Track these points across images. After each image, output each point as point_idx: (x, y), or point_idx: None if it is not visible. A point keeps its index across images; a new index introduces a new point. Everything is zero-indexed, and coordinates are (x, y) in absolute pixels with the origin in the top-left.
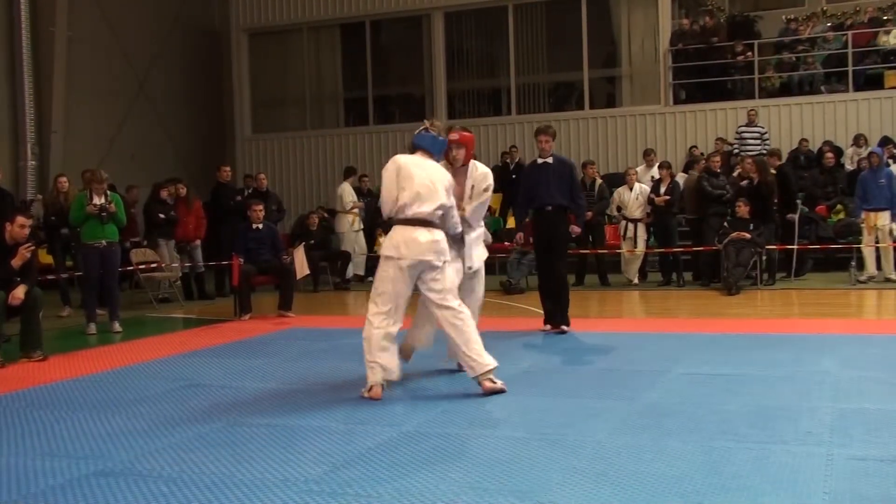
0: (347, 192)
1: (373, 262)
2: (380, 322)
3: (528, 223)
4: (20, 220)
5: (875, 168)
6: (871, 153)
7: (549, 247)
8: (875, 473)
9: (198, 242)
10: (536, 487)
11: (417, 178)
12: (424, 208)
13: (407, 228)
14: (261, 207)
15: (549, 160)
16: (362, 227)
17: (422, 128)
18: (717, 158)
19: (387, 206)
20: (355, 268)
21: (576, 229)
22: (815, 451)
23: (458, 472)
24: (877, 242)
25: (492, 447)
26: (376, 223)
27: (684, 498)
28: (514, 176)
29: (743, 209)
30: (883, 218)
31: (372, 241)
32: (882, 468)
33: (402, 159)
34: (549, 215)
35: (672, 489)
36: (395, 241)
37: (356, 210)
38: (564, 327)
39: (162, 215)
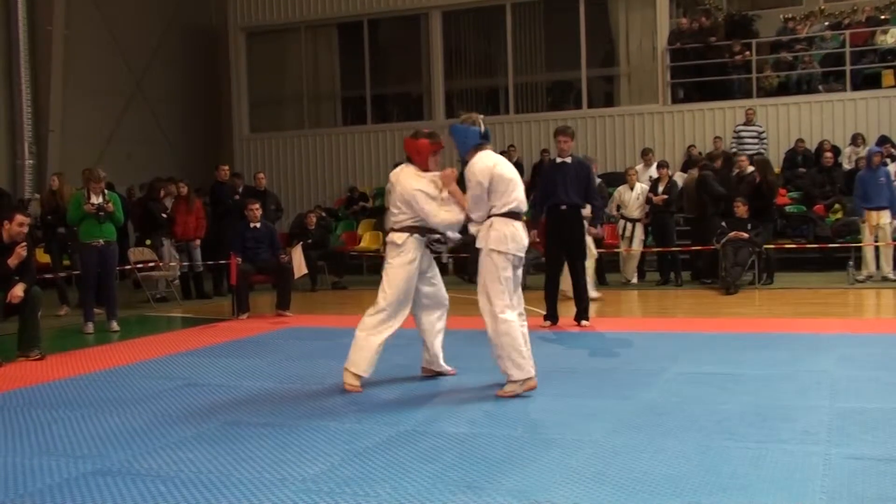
0: None
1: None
2: (514, 316)
3: (541, 221)
4: (19, 218)
5: (874, 167)
6: (872, 153)
7: (567, 247)
8: (872, 473)
9: (197, 242)
10: (534, 487)
11: (508, 173)
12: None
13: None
14: (258, 206)
15: (568, 160)
16: None
17: (469, 121)
18: (721, 159)
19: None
20: None
21: (595, 231)
22: (812, 450)
23: (455, 471)
24: (876, 241)
25: (489, 446)
26: None
27: (681, 497)
28: None
29: (741, 209)
30: (884, 217)
31: None
32: (879, 467)
33: (495, 158)
34: (563, 214)
35: (669, 488)
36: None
37: None
38: (585, 322)
39: (164, 214)
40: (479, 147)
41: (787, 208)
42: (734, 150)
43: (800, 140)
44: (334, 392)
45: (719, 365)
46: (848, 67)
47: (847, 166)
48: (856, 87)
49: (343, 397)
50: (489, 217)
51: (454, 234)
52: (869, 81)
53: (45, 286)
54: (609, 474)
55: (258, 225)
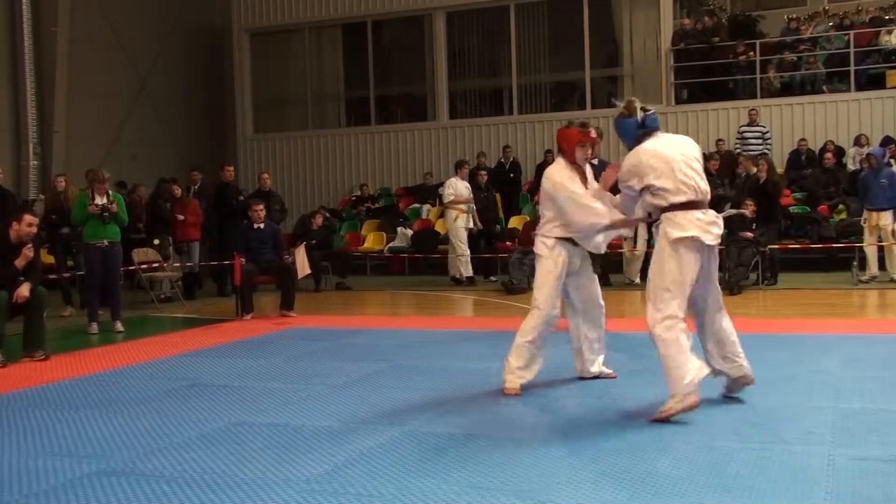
0: (450, 186)
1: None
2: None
3: None
4: (28, 218)
5: (876, 168)
6: (868, 154)
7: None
8: (877, 473)
9: (195, 242)
10: (538, 487)
11: (660, 160)
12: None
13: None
14: (262, 207)
15: (594, 161)
16: (472, 224)
17: (626, 113)
18: (716, 160)
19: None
20: (454, 268)
21: (624, 232)
22: (816, 451)
23: (459, 471)
24: (879, 242)
25: (493, 447)
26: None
27: (685, 498)
28: (511, 175)
29: (750, 209)
30: (885, 218)
31: (487, 238)
32: (884, 468)
33: (647, 149)
34: None
35: (673, 489)
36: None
37: (462, 206)
38: None
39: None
40: (642, 137)
41: (792, 209)
42: (738, 150)
43: (802, 140)
44: (338, 392)
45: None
46: (852, 68)
47: (851, 167)
48: (860, 88)
49: (346, 397)
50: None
51: (597, 248)
52: (873, 82)
53: (49, 287)
54: (613, 475)
55: (262, 225)
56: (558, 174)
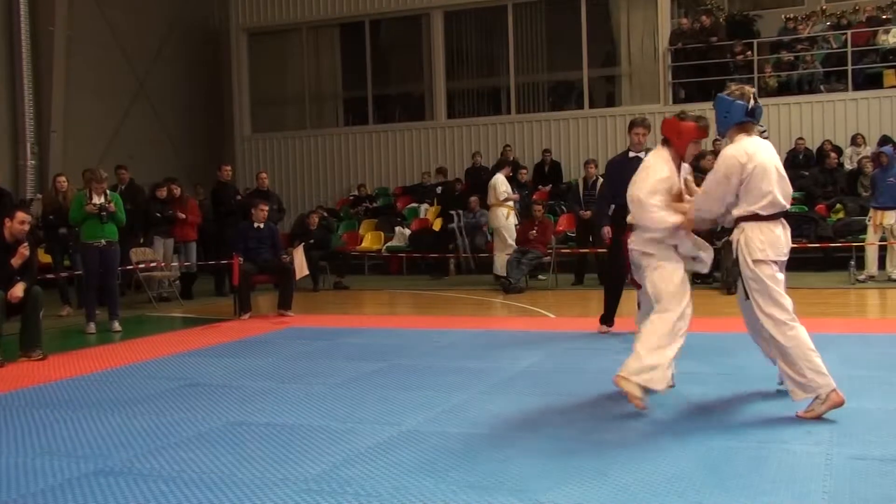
0: (501, 182)
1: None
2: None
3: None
4: (20, 216)
5: (886, 167)
6: (879, 153)
7: None
8: (874, 473)
9: (192, 242)
10: (536, 486)
11: (761, 171)
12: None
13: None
14: (266, 207)
15: (642, 155)
16: (517, 221)
17: (737, 94)
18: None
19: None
20: (502, 267)
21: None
22: (814, 450)
23: (457, 471)
24: (882, 241)
25: (491, 446)
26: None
27: (683, 497)
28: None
29: None
30: (889, 217)
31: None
32: (881, 468)
33: (754, 147)
34: None
35: (671, 488)
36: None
37: (511, 203)
38: None
39: (159, 214)
40: (742, 126)
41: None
42: None
43: (799, 139)
44: (336, 392)
45: (721, 365)
46: (849, 67)
47: (848, 166)
48: (857, 87)
49: (344, 397)
50: (739, 221)
51: (706, 256)
52: (870, 81)
53: (46, 286)
54: (611, 474)
55: (261, 225)
56: (660, 168)
